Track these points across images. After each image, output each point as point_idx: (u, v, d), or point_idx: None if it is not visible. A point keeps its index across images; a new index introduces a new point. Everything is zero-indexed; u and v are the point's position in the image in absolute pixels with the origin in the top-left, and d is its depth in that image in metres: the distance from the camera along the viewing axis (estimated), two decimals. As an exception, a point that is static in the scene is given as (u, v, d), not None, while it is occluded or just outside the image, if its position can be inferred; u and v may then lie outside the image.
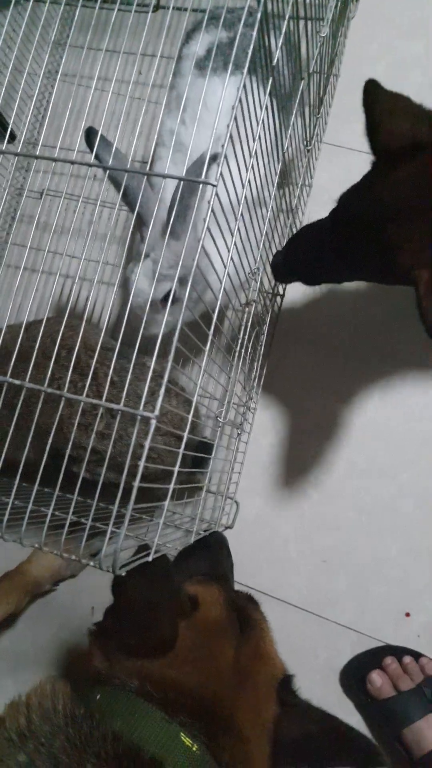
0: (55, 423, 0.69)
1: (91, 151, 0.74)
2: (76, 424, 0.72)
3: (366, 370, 1.13)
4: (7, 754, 0.54)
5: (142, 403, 0.56)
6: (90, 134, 0.75)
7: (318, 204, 1.18)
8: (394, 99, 0.69)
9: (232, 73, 0.59)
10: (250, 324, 0.81)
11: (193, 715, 0.57)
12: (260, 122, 0.63)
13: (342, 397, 1.13)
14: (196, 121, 0.61)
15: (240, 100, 0.55)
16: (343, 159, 1.19)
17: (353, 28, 1.25)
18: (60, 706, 0.58)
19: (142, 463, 0.51)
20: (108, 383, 0.79)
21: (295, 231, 1.11)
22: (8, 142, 1.30)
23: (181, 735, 0.55)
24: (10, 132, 1.29)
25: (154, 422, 0.52)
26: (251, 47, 0.54)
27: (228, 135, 0.55)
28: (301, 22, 0.76)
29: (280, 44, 0.61)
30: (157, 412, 0.52)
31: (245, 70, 0.54)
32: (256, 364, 1.04)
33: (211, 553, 0.86)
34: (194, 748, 0.55)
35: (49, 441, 0.68)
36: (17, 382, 0.60)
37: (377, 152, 0.70)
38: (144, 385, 0.84)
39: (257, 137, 0.64)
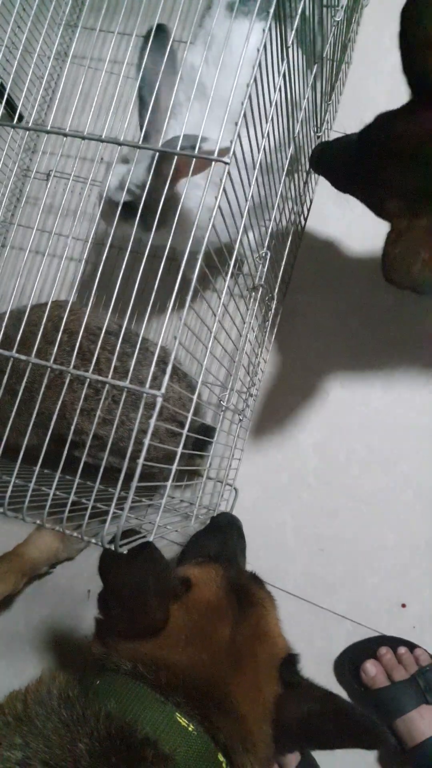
0: (58, 408, 0.69)
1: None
2: (78, 409, 0.72)
3: (371, 360, 1.13)
4: (3, 736, 0.55)
5: (148, 382, 0.55)
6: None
7: (325, 193, 1.18)
8: None
9: (261, 18, 0.59)
10: (256, 307, 0.81)
11: (188, 695, 0.58)
12: (286, 61, 0.62)
13: (345, 386, 1.13)
14: (220, 63, 0.60)
15: (265, 46, 0.55)
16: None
17: (366, 16, 1.24)
18: (55, 689, 0.58)
19: (147, 439, 0.51)
20: (111, 369, 0.79)
21: (303, 220, 1.11)
22: (18, 121, 1.29)
23: (176, 715, 0.56)
24: (19, 113, 1.28)
25: (160, 399, 0.52)
26: None
27: (252, 81, 0.54)
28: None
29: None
30: (163, 390, 0.52)
31: (271, 12, 0.54)
32: (260, 349, 1.03)
33: (220, 534, 0.87)
34: (190, 728, 0.55)
35: (51, 426, 0.68)
36: (23, 357, 0.60)
37: (411, 84, 0.68)
38: (147, 371, 0.85)
39: (278, 89, 0.63)
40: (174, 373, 0.91)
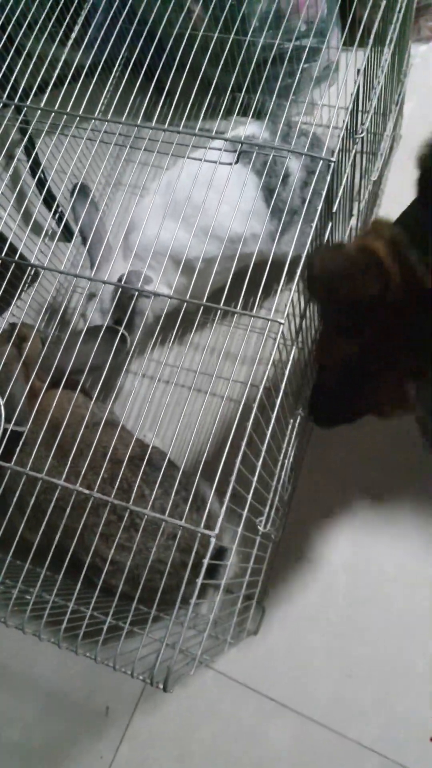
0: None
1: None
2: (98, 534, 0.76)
3: (400, 478, 1.15)
4: None
5: (203, 520, 0.58)
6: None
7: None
8: None
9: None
10: (294, 434, 0.85)
11: None
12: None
13: (374, 506, 1.14)
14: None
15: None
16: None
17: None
18: None
19: (201, 578, 0.53)
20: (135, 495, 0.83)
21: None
22: (68, 240, 1.41)
23: None
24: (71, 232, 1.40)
25: (213, 540, 0.55)
26: (316, 217, 0.61)
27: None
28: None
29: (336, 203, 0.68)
30: (217, 530, 0.55)
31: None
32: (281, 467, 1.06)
33: None
34: None
35: (72, 546, 0.72)
36: (71, 486, 0.63)
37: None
38: (169, 500, 0.88)
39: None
40: (194, 501, 0.93)
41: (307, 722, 1.03)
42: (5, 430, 0.75)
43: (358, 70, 0.67)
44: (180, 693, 1.07)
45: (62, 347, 0.83)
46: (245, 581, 0.90)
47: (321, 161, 0.64)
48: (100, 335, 0.87)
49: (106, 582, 0.79)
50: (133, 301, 0.91)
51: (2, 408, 0.75)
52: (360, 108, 0.73)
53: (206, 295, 0.79)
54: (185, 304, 0.72)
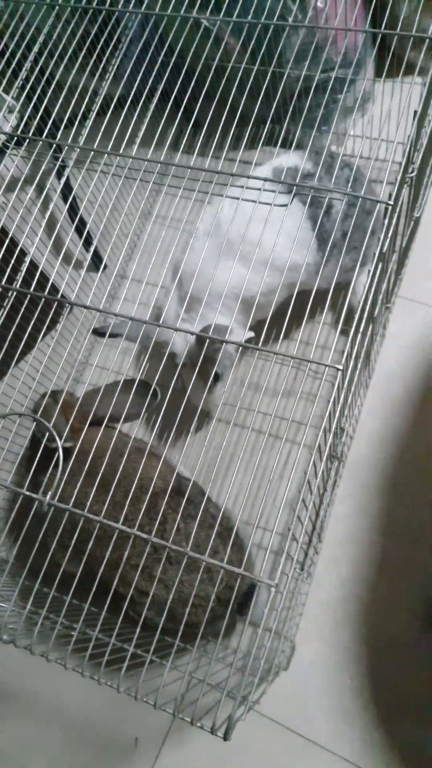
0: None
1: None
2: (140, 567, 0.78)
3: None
4: None
5: (261, 569, 0.58)
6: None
7: (390, 351, 1.24)
8: None
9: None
10: (332, 475, 0.84)
11: None
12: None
13: (401, 537, 1.13)
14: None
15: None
16: (415, 312, 1.26)
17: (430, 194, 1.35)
18: None
19: (261, 627, 0.52)
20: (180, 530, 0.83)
21: (368, 379, 1.17)
22: (102, 271, 1.41)
23: None
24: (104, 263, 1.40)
25: (273, 590, 0.54)
26: (379, 248, 0.61)
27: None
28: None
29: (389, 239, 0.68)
30: (277, 580, 0.54)
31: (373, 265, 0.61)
32: (323, 507, 1.05)
33: None
34: None
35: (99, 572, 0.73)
36: (113, 524, 0.63)
37: None
38: (204, 533, 0.88)
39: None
40: (224, 536, 0.93)
41: (338, 761, 1.01)
42: (58, 449, 0.78)
43: (415, 112, 0.67)
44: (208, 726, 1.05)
45: (99, 397, 0.89)
46: (286, 620, 0.89)
47: (378, 204, 0.64)
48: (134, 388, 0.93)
49: (137, 613, 0.78)
50: (220, 353, 0.95)
51: (53, 429, 0.78)
52: (413, 146, 0.73)
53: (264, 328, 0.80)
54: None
